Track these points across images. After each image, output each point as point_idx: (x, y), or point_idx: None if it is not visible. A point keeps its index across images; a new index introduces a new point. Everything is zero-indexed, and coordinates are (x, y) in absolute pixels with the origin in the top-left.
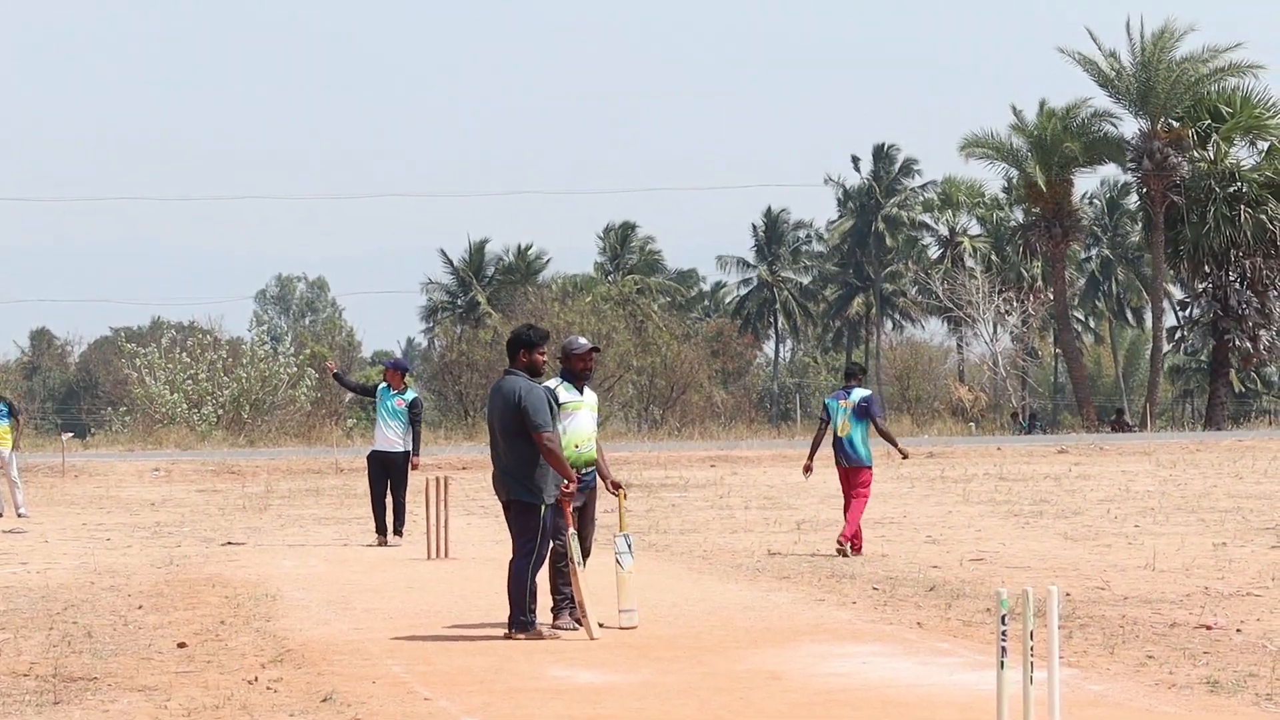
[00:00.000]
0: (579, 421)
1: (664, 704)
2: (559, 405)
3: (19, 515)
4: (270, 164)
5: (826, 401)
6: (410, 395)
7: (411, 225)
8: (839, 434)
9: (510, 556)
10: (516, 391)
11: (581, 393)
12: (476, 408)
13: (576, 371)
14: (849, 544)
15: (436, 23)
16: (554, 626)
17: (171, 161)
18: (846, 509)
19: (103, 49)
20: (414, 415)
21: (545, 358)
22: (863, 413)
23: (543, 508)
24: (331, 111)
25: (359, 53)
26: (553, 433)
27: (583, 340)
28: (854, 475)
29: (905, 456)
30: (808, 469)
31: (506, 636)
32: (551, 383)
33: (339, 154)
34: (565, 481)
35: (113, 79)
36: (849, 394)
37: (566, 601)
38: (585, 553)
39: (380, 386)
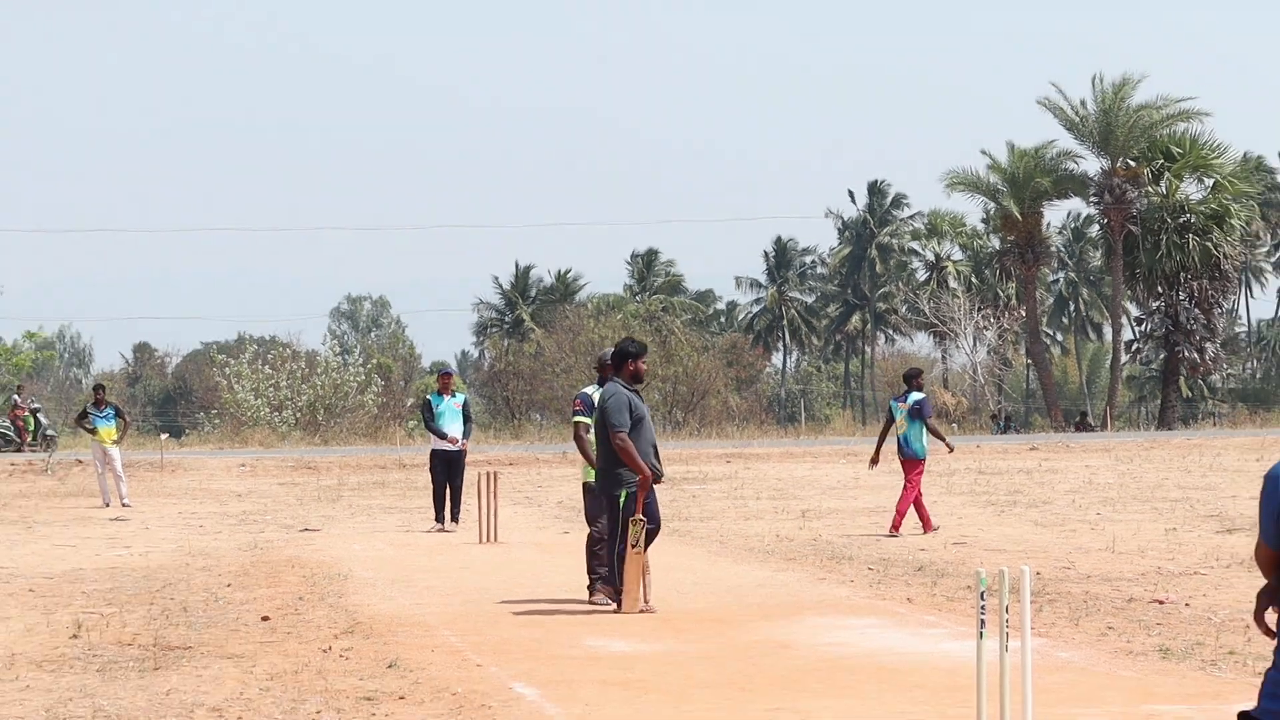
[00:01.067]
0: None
1: (686, 669)
2: (594, 408)
3: (124, 505)
4: (343, 197)
5: (890, 403)
6: (461, 397)
7: (464, 252)
8: (899, 431)
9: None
10: (603, 397)
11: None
12: (522, 411)
13: (610, 379)
14: (894, 529)
15: (486, 76)
16: (590, 601)
17: (254, 196)
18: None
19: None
20: (466, 413)
21: (646, 366)
22: (916, 413)
23: (620, 497)
24: (394, 150)
25: (419, 101)
26: (625, 433)
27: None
28: (908, 467)
29: (950, 450)
30: (874, 461)
31: (615, 610)
32: (589, 389)
33: (402, 190)
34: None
35: (201, 120)
36: (907, 397)
37: (599, 580)
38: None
39: (433, 395)
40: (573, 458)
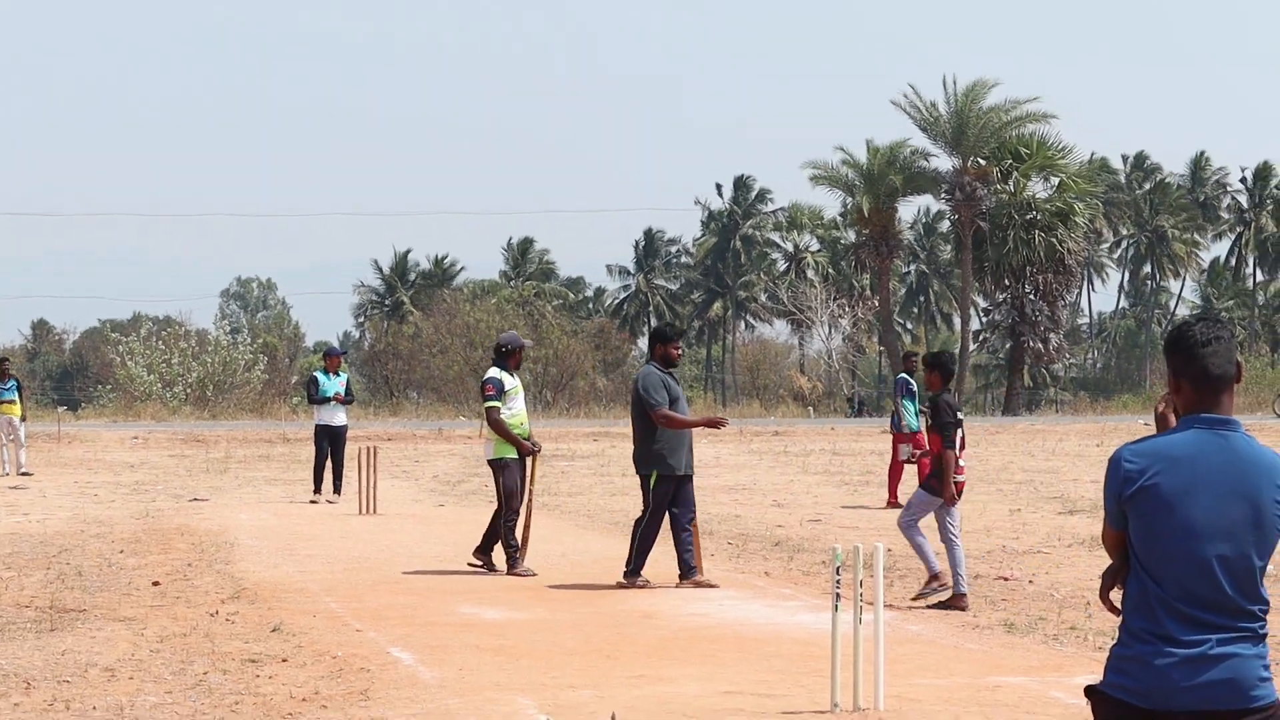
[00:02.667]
0: (519, 403)
1: (556, 636)
2: (505, 390)
3: (21, 474)
4: (234, 184)
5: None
6: (344, 376)
7: (347, 238)
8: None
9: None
10: (638, 378)
11: (514, 378)
12: (400, 389)
13: (516, 364)
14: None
15: (366, 68)
16: (512, 572)
17: (151, 181)
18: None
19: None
20: (349, 392)
21: (680, 351)
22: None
23: (650, 477)
24: (282, 139)
25: (305, 92)
26: (666, 409)
27: (520, 337)
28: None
29: (902, 430)
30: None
31: (620, 585)
32: (495, 373)
33: (290, 177)
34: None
35: (104, 102)
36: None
37: (515, 552)
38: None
39: (320, 373)
40: (448, 434)
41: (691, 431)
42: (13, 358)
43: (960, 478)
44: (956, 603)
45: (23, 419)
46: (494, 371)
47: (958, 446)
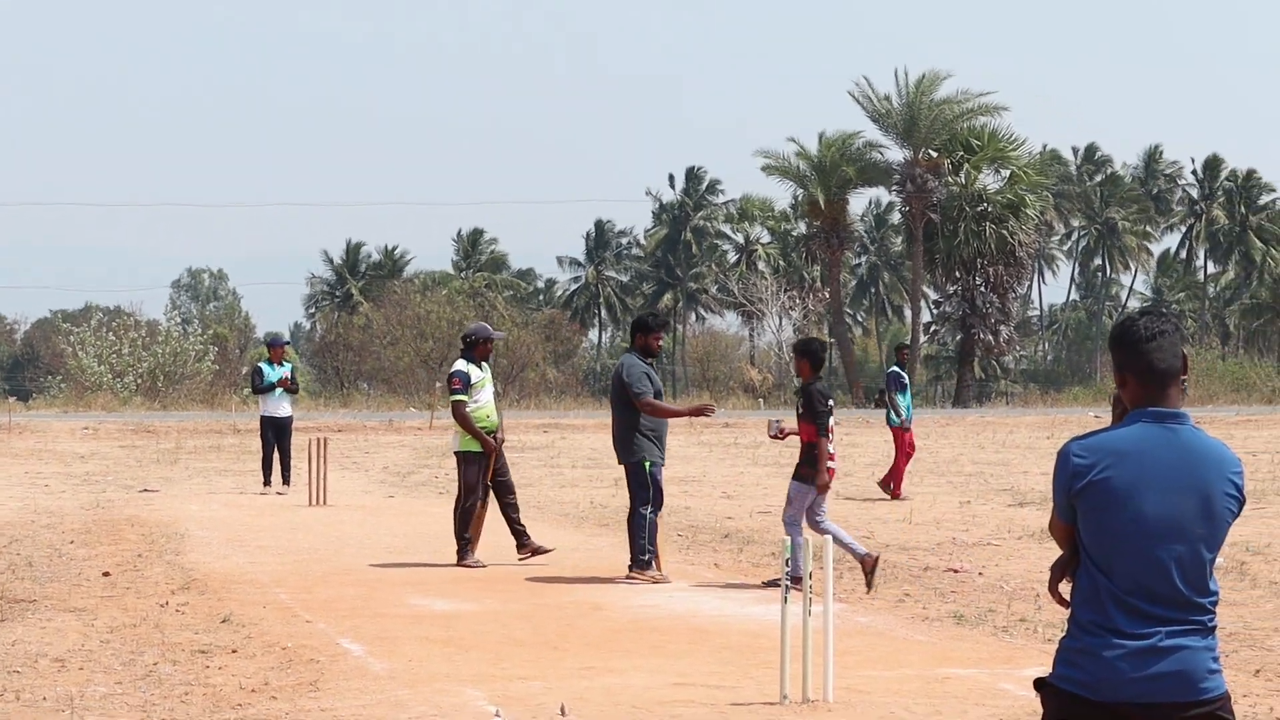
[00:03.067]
0: (486, 395)
1: (505, 628)
2: (471, 384)
3: None
4: (186, 174)
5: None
6: (289, 366)
7: (298, 229)
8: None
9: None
10: (621, 367)
11: (482, 370)
12: (350, 380)
13: (484, 356)
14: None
15: (317, 59)
16: (462, 564)
17: (103, 172)
18: None
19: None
20: (294, 381)
21: (661, 342)
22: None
23: (646, 465)
24: (233, 129)
25: (257, 84)
26: (651, 397)
27: (489, 328)
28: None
29: (899, 423)
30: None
31: (628, 578)
32: (462, 365)
33: (241, 168)
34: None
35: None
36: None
37: (468, 544)
38: (510, 489)
39: (264, 363)
40: (398, 425)
41: (669, 422)
42: None
43: (832, 464)
44: (866, 563)
45: None
46: (460, 364)
47: (829, 436)
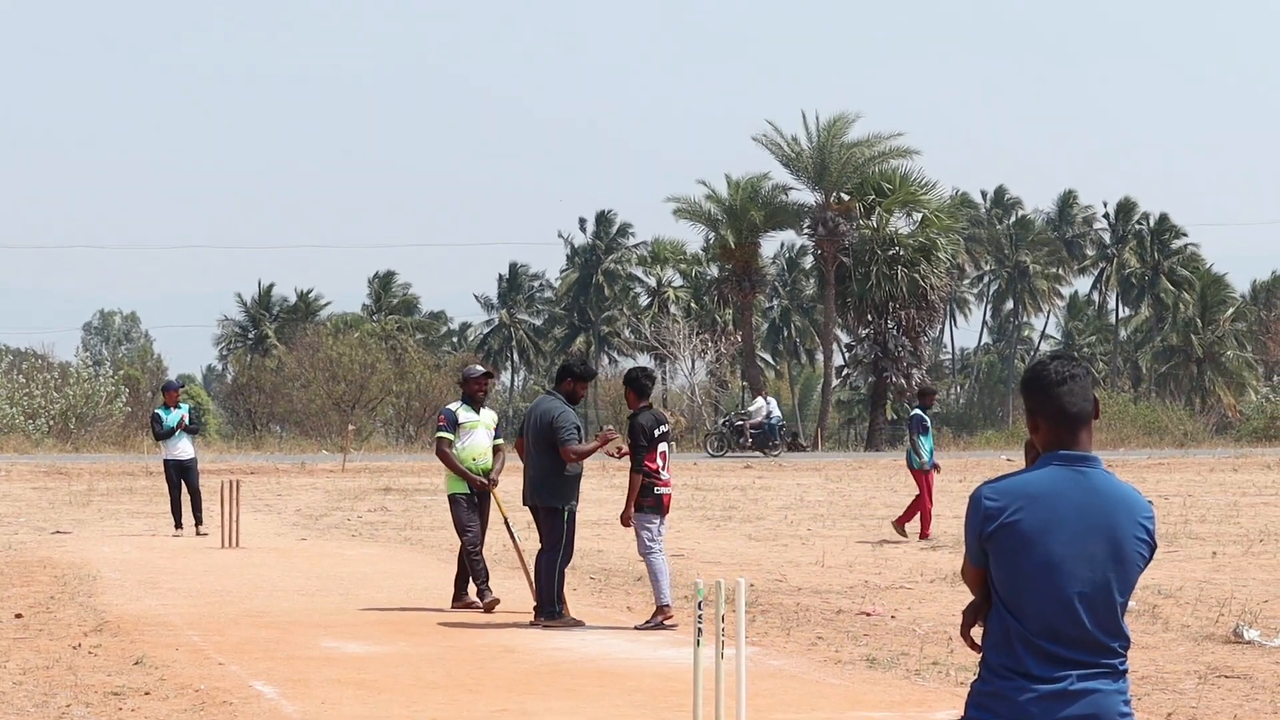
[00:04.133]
0: (476, 438)
1: (417, 670)
2: (459, 424)
3: None
4: (98, 216)
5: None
6: (185, 408)
7: (210, 271)
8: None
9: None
10: (551, 411)
11: (478, 413)
12: (263, 423)
13: (473, 395)
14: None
15: (234, 104)
16: (479, 606)
17: (15, 213)
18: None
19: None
20: (195, 421)
21: (585, 392)
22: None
23: (565, 511)
24: (146, 171)
25: (170, 127)
26: (579, 444)
27: (478, 368)
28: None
29: (924, 466)
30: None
31: (532, 624)
32: (452, 405)
33: (153, 210)
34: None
35: None
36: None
37: (485, 585)
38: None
39: (160, 409)
40: (310, 468)
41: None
42: None
43: (667, 490)
44: (660, 615)
45: None
46: (451, 404)
47: (661, 462)
